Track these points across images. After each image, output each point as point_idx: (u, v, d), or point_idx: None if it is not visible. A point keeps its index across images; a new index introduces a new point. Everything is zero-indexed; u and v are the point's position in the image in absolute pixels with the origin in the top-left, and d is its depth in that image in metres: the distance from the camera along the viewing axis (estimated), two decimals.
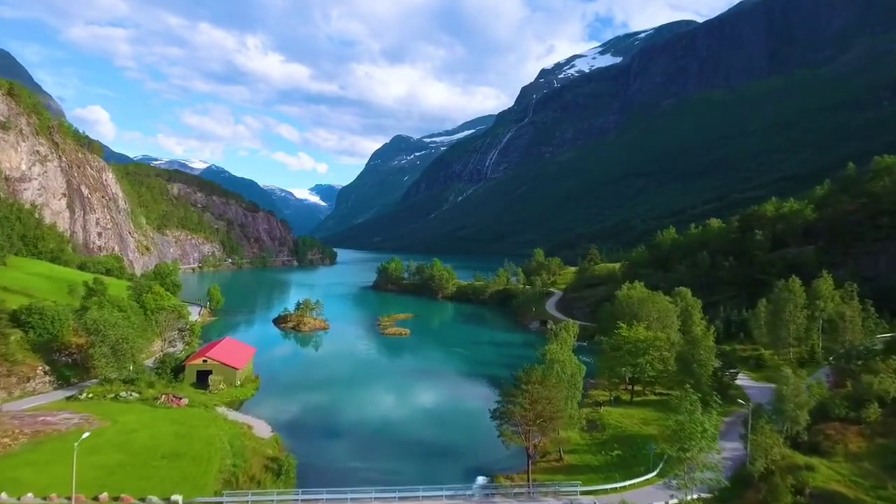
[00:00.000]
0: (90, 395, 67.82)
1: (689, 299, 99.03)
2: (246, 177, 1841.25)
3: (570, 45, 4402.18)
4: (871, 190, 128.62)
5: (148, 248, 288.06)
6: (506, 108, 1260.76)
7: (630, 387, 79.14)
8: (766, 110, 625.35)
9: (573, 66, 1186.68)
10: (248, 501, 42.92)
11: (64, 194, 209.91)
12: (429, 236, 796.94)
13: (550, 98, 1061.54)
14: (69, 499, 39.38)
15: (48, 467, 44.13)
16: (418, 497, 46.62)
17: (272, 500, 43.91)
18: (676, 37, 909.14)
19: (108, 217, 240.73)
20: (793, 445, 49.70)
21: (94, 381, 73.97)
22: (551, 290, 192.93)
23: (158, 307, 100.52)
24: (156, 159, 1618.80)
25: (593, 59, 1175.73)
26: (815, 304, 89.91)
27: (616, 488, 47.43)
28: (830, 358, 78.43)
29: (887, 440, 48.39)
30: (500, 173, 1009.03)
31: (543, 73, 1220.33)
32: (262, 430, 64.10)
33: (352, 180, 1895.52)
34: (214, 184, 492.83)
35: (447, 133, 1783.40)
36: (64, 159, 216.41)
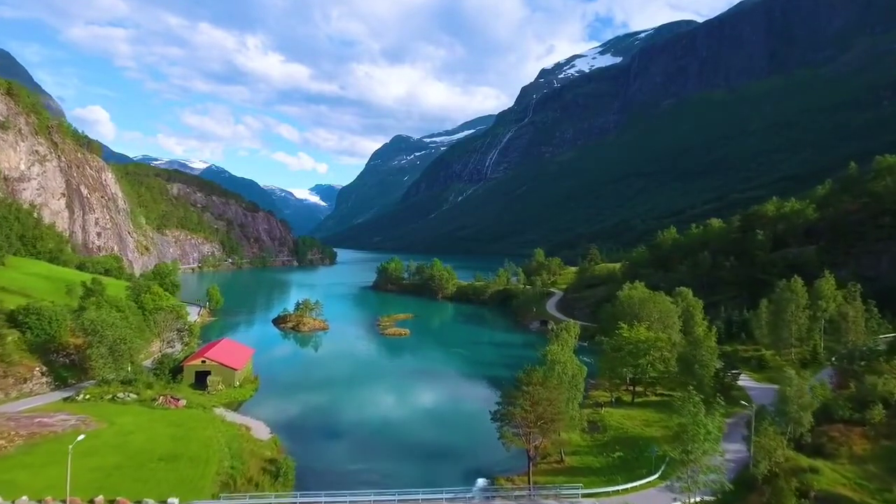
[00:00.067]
0: (87, 397, 67.32)
1: (691, 300, 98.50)
2: (246, 177, 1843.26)
3: (570, 45, 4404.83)
4: (873, 190, 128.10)
5: (147, 248, 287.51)
6: (506, 108, 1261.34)
7: (631, 388, 78.65)
8: (766, 110, 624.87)
9: (573, 66, 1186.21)
10: None
11: (63, 194, 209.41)
12: (429, 236, 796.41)
13: (550, 98, 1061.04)
14: (64, 502, 38.91)
15: (44, 469, 43.62)
16: (418, 500, 46.18)
17: (270, 503, 43.42)
18: (676, 37, 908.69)
19: (108, 217, 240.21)
20: (796, 447, 49.19)
21: (92, 382, 73.41)
22: (552, 290, 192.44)
23: (157, 307, 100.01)
24: (156, 159, 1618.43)
25: (593, 59, 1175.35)
26: (817, 304, 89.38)
27: (618, 491, 46.92)
28: (833, 358, 77.93)
29: (892, 442, 47.88)
30: (500, 173, 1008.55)
31: (543, 73, 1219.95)
32: (261, 431, 63.63)
33: (352, 180, 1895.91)
34: (214, 184, 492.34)
35: (447, 133, 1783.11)
36: (63, 159, 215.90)
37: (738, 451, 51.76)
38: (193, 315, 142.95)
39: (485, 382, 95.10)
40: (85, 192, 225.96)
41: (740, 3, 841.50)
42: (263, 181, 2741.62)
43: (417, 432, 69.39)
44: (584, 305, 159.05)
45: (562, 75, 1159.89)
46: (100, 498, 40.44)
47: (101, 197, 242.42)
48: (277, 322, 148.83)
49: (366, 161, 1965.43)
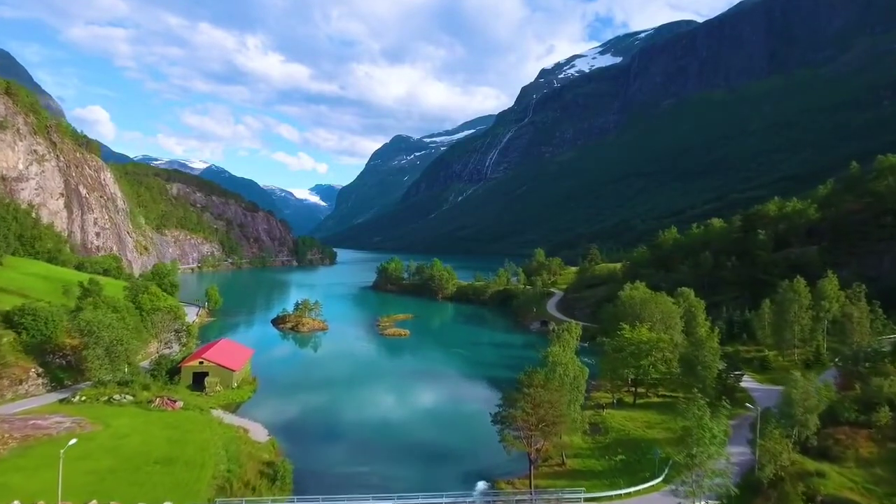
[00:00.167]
0: (83, 398, 66.54)
1: (693, 300, 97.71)
2: (246, 177, 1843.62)
3: (570, 45, 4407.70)
4: (875, 189, 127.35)
5: (147, 248, 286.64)
6: (506, 108, 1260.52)
7: (633, 389, 77.93)
8: (766, 110, 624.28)
9: (573, 66, 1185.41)
10: None
11: (62, 194, 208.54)
12: (429, 236, 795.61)
13: (550, 98, 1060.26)
14: None
15: (37, 473, 42.85)
16: None
17: None
18: (676, 37, 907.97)
19: (107, 217, 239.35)
20: (802, 450, 48.45)
21: (88, 383, 72.61)
22: (552, 290, 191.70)
23: (154, 308, 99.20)
24: (156, 159, 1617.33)
25: (593, 59, 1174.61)
26: (820, 304, 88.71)
27: (621, 495, 46.21)
28: (836, 359, 77.18)
29: None
30: (500, 173, 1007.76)
31: (543, 73, 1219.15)
32: (259, 433, 62.90)
33: (352, 180, 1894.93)
34: (214, 184, 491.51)
35: (447, 133, 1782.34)
36: (62, 159, 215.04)
37: (742, 453, 51.03)
38: (192, 315, 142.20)
39: (485, 383, 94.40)
40: (84, 191, 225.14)
41: (740, 3, 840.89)
42: (263, 181, 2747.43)
43: (417, 434, 68.66)
44: (584, 306, 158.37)
45: (562, 75, 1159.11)
46: (93, 502, 39.68)
47: (100, 197, 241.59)
48: (276, 322, 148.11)
49: (366, 161, 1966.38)
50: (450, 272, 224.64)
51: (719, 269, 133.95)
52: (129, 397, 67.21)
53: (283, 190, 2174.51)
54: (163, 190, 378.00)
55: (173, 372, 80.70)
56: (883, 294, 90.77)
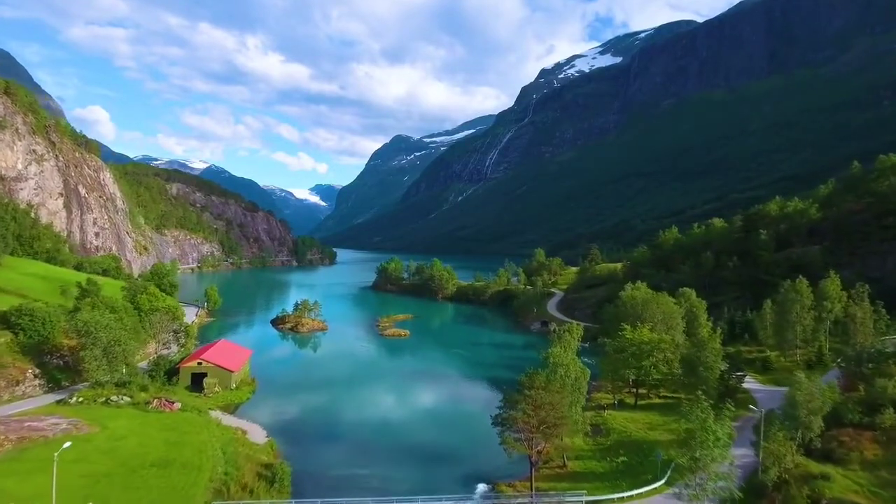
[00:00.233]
0: (80, 399, 65.96)
1: (694, 300, 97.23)
2: (246, 177, 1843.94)
3: (570, 45, 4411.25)
4: (877, 189, 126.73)
5: (146, 249, 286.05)
6: (506, 108, 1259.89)
7: (634, 390, 77.39)
8: (766, 110, 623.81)
9: (573, 66, 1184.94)
10: None
11: (61, 194, 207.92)
12: (429, 236, 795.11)
13: (550, 98, 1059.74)
14: None
15: (32, 476, 42.25)
16: None
17: None
18: (676, 37, 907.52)
19: (106, 217, 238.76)
20: (805, 453, 47.90)
21: (86, 384, 72.08)
22: (552, 290, 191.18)
23: (153, 308, 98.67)
24: (156, 159, 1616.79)
25: (593, 59, 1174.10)
26: (823, 305, 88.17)
27: (623, 498, 45.64)
28: (839, 360, 76.66)
29: None
30: (500, 173, 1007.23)
31: (543, 73, 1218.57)
32: (257, 435, 62.40)
33: (352, 180, 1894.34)
34: (213, 183, 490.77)
35: (447, 133, 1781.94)
36: (61, 158, 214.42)
37: (745, 455, 50.46)
38: (191, 316, 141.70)
39: (485, 384, 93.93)
40: (83, 191, 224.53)
41: (740, 3, 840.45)
42: (263, 181, 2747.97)
43: (417, 435, 68.14)
44: (584, 306, 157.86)
45: (562, 75, 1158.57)
46: None
47: (100, 197, 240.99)
48: (276, 323, 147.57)
49: (366, 161, 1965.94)
50: (450, 272, 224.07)
51: (720, 269, 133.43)
52: (127, 398, 66.63)
53: (283, 190, 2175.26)
54: (162, 190, 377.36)
55: (171, 373, 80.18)
56: (885, 294, 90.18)
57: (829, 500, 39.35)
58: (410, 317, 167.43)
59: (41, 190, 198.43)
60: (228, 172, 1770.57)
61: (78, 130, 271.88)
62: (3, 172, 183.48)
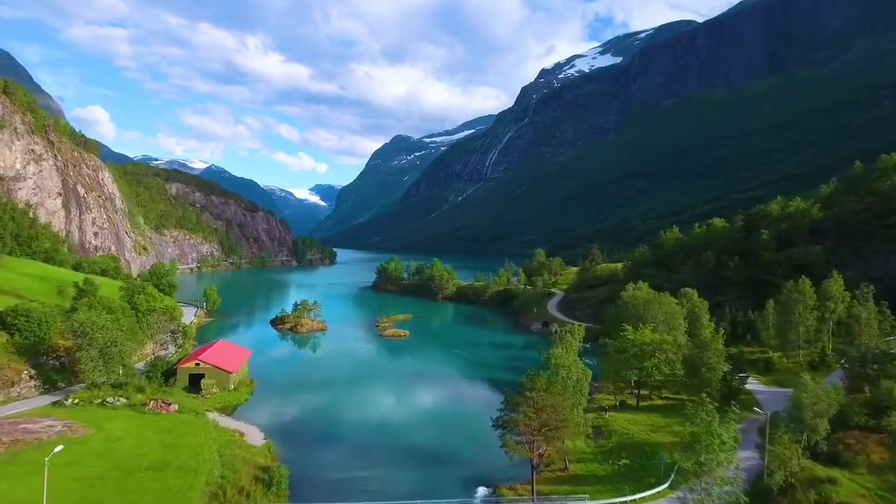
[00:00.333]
0: (76, 401, 65.21)
1: (696, 300, 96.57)
2: (246, 177, 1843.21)
3: (570, 45, 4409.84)
4: (879, 189, 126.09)
5: (145, 248, 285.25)
6: (506, 108, 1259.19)
7: (636, 391, 76.69)
8: (766, 110, 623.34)
9: (573, 66, 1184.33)
10: None
11: (59, 194, 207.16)
12: (429, 236, 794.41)
13: (550, 98, 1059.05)
14: None
15: (24, 480, 41.49)
16: None
17: None
18: (676, 37, 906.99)
19: (105, 217, 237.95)
20: (811, 456, 47.18)
21: (82, 385, 71.34)
22: (553, 290, 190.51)
23: (150, 308, 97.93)
24: (156, 159, 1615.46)
25: (593, 59, 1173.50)
26: (826, 305, 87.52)
27: (626, 502, 44.94)
28: (843, 361, 76.02)
29: None
30: (500, 173, 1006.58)
31: (543, 73, 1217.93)
32: (255, 437, 61.66)
33: (352, 180, 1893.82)
34: (213, 183, 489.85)
35: (447, 133, 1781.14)
36: (60, 158, 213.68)
37: (749, 458, 49.63)
38: (190, 316, 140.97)
39: (485, 385, 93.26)
40: (82, 191, 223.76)
41: (740, 3, 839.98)
42: (263, 181, 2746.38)
43: (417, 437, 67.44)
44: (585, 306, 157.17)
45: (562, 75, 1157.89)
46: None
47: (99, 196, 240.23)
48: (275, 323, 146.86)
49: (366, 161, 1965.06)
50: (450, 272, 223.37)
51: (721, 269, 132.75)
52: (123, 400, 65.90)
53: (283, 190, 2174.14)
54: (162, 190, 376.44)
55: (169, 374, 79.40)
56: (888, 295, 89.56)
57: None
58: (410, 317, 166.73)
59: (40, 189, 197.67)
60: (228, 172, 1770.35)
61: (78, 130, 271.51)
62: (1, 172, 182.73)
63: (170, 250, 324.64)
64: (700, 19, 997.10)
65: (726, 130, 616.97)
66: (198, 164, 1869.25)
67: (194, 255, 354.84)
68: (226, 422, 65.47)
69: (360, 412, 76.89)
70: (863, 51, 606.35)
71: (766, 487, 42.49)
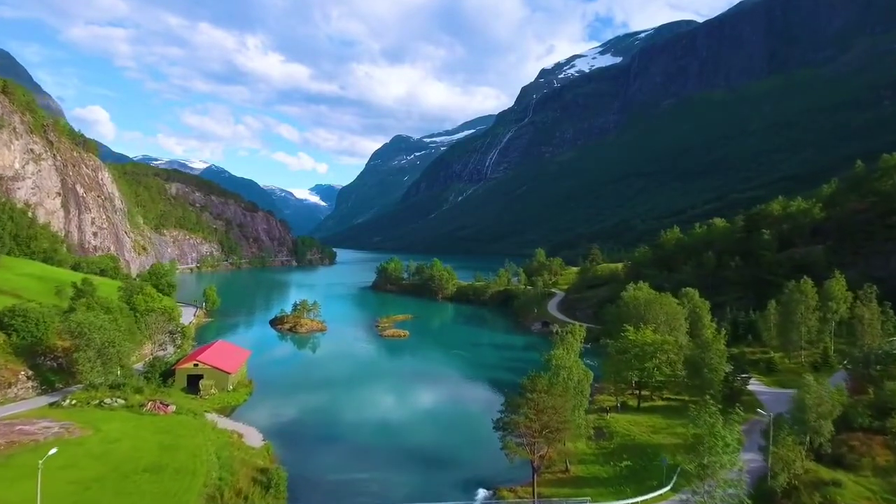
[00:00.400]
0: (74, 402, 64.71)
1: (697, 301, 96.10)
2: (246, 177, 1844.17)
3: (570, 45, 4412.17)
4: (881, 188, 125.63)
5: (145, 248, 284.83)
6: (506, 108, 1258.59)
7: (637, 392, 76.21)
8: (766, 110, 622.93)
9: (573, 66, 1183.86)
10: None
11: (58, 193, 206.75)
12: (429, 236, 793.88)
13: (550, 98, 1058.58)
14: None
15: (19, 482, 41.00)
16: None
17: None
18: (676, 37, 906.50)
19: (104, 217, 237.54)
20: (815, 458, 46.69)
21: (80, 386, 70.81)
22: (553, 290, 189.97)
23: (148, 309, 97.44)
24: (156, 159, 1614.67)
25: (593, 59, 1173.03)
26: (828, 305, 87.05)
27: None
28: (845, 362, 75.55)
29: None
30: (500, 173, 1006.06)
31: (543, 73, 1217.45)
32: (253, 438, 61.18)
33: (352, 180, 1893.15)
34: (213, 183, 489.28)
35: (447, 133, 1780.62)
36: (59, 158, 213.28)
37: (752, 460, 49.22)
38: (189, 316, 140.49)
39: (486, 385, 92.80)
40: (81, 191, 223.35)
41: (740, 3, 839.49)
42: (263, 181, 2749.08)
43: (417, 438, 66.98)
44: (586, 306, 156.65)
45: (562, 75, 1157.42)
46: None
47: (98, 196, 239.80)
48: (275, 323, 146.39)
49: (366, 161, 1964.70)
50: (450, 272, 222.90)
51: (722, 269, 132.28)
52: (121, 401, 65.39)
53: (283, 190, 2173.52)
54: (162, 190, 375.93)
55: (167, 374, 78.92)
56: (890, 295, 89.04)
57: None
58: (410, 317, 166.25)
59: (39, 189, 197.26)
60: (228, 172, 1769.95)
61: (77, 130, 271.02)
62: (0, 172, 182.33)
63: (169, 250, 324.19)
64: (700, 19, 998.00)
65: (726, 130, 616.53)
66: (198, 164, 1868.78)
67: (194, 255, 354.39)
68: (224, 423, 64.98)
69: (360, 413, 76.41)
70: (863, 51, 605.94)
71: (769, 490, 42.03)
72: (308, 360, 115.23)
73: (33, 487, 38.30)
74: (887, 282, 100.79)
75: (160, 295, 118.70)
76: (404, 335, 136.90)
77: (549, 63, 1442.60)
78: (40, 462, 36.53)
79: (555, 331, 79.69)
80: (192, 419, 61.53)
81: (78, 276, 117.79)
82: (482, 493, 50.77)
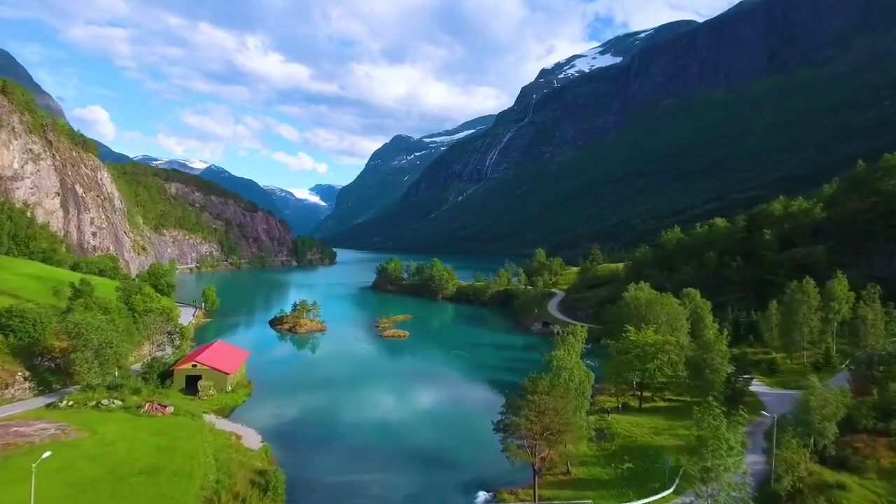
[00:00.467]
0: (71, 403, 64.17)
1: (699, 301, 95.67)
2: (246, 177, 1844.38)
3: (570, 45, 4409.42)
4: (883, 188, 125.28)
5: (144, 248, 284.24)
6: (506, 108, 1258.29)
7: (638, 393, 75.73)
8: (766, 110, 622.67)
9: (573, 66, 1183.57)
10: None
11: (57, 193, 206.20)
12: (429, 236, 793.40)
13: (550, 98, 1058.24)
14: None
15: (14, 485, 40.43)
16: None
17: None
18: (676, 37, 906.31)
19: (104, 217, 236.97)
20: (819, 460, 46.22)
21: (77, 387, 70.32)
22: (553, 290, 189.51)
23: (147, 309, 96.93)
24: (156, 159, 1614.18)
25: (593, 59, 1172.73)
26: (830, 305, 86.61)
27: None
28: (848, 362, 75.09)
29: None
30: (500, 173, 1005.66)
31: (543, 73, 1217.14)
32: (252, 439, 60.71)
33: (352, 180, 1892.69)
34: (213, 183, 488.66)
35: (447, 133, 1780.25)
36: (58, 158, 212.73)
37: (755, 462, 48.70)
38: (189, 316, 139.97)
39: (486, 386, 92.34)
40: (80, 191, 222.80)
41: (740, 3, 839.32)
42: (263, 181, 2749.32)
43: (417, 439, 66.49)
44: (586, 306, 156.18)
45: (562, 75, 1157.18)
46: None
47: (97, 196, 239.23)
48: (274, 323, 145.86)
49: (366, 161, 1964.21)
50: (450, 272, 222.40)
51: (723, 269, 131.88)
52: (118, 402, 64.84)
53: (283, 190, 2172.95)
54: (161, 190, 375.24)
55: (165, 375, 78.39)
56: (892, 295, 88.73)
57: None
58: (410, 317, 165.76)
59: (38, 189, 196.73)
60: (228, 172, 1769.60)
61: (77, 130, 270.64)
62: None
63: (169, 250, 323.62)
64: (700, 19, 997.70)
65: (726, 130, 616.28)
66: (198, 164, 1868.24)
67: (193, 255, 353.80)
68: (222, 424, 64.48)
69: (360, 414, 75.93)
70: (863, 51, 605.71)
71: (773, 493, 41.54)
72: (307, 360, 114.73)
73: (28, 490, 37.84)
74: (889, 282, 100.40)
75: (158, 295, 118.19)
76: (404, 335, 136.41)
77: (549, 63, 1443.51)
78: (34, 465, 36.05)
79: (556, 331, 79.30)
80: (189, 420, 60.98)
81: (76, 277, 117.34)
82: (483, 495, 50.29)
